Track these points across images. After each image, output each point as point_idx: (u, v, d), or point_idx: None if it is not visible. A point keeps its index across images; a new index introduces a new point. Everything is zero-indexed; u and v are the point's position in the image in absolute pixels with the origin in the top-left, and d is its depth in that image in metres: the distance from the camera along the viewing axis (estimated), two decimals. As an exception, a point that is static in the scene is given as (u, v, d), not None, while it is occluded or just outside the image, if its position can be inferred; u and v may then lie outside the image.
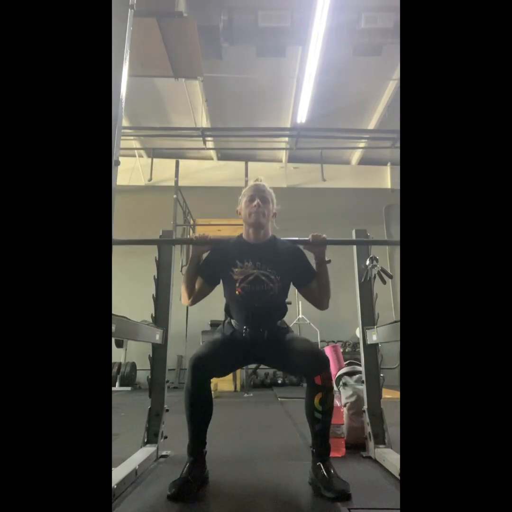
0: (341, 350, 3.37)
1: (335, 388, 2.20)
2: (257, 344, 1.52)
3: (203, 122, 5.69)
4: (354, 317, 2.01)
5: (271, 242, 1.59)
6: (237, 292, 1.51)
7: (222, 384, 4.88)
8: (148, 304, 1.92)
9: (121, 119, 1.17)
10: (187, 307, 5.54)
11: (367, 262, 1.84)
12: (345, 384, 2.16)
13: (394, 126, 5.21)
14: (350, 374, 2.20)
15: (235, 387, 5.03)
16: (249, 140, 6.05)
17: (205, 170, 6.90)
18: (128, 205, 5.53)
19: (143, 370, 5.38)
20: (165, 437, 1.85)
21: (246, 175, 5.51)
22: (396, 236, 6.49)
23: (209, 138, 6.05)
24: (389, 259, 6.39)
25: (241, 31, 3.98)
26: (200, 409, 1.42)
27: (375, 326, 1.80)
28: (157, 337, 1.78)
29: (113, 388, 5.09)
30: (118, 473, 1.36)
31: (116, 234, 1.17)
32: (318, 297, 1.59)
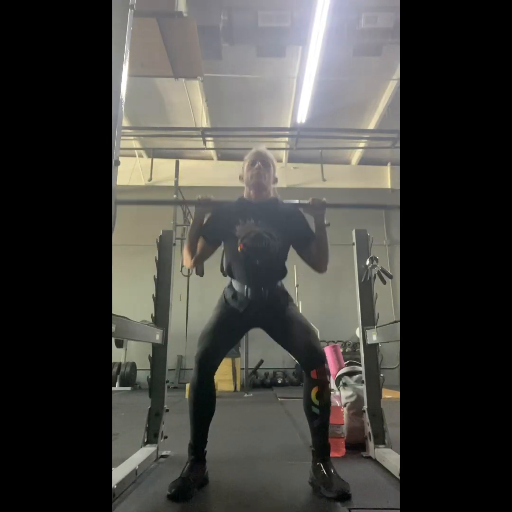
0: (341, 350, 3.37)
1: (335, 388, 2.20)
2: (258, 306, 1.50)
3: (203, 122, 5.69)
4: (354, 317, 2.01)
5: (272, 203, 1.63)
6: (238, 249, 1.51)
7: (222, 384, 4.88)
8: (148, 304, 1.92)
9: (121, 119, 1.17)
10: (187, 307, 5.55)
11: (367, 262, 1.85)
12: (345, 384, 2.16)
13: (394, 126, 5.21)
14: (350, 374, 2.20)
15: (235, 387, 5.03)
16: (249, 140, 6.04)
17: (205, 170, 6.89)
18: (128, 205, 5.53)
19: (143, 370, 5.38)
20: (165, 437, 1.85)
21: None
22: (396, 236, 6.50)
23: (209, 138, 6.05)
24: (389, 259, 6.39)
25: (241, 31, 3.98)
26: (203, 404, 1.44)
27: (375, 326, 1.80)
28: (157, 337, 1.78)
29: (113, 388, 5.09)
30: (118, 473, 1.36)
31: (116, 234, 1.17)
32: (317, 260, 1.60)
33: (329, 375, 1.46)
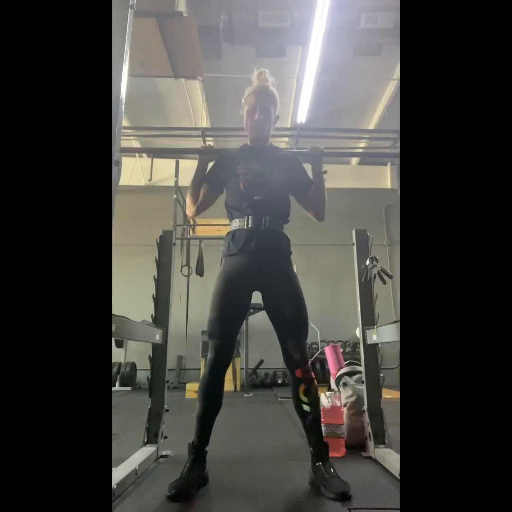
0: (341, 350, 3.37)
1: (335, 388, 2.20)
2: (259, 247, 1.47)
3: (203, 122, 5.69)
4: (354, 317, 2.01)
5: (271, 148, 1.66)
6: (240, 185, 1.53)
7: (222, 384, 4.88)
8: (148, 304, 1.92)
9: (121, 119, 1.17)
10: (187, 307, 5.55)
11: (367, 262, 1.84)
12: (345, 384, 2.16)
13: (394, 126, 5.21)
14: (350, 374, 2.20)
15: (235, 387, 5.02)
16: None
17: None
18: (128, 205, 5.53)
19: (143, 370, 5.38)
20: (165, 437, 1.85)
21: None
22: (396, 236, 6.50)
23: (209, 138, 6.04)
24: (389, 259, 6.39)
25: (241, 31, 3.98)
26: (214, 400, 1.45)
27: (375, 326, 1.80)
28: (157, 337, 1.78)
29: (113, 388, 5.09)
30: (118, 473, 1.36)
31: (116, 234, 1.17)
32: (316, 206, 1.63)
33: (311, 371, 1.50)
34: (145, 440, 1.78)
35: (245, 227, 1.50)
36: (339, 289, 6.11)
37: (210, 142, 6.14)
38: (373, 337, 1.79)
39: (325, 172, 1.61)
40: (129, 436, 2.12)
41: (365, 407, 1.82)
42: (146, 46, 3.35)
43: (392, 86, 5.13)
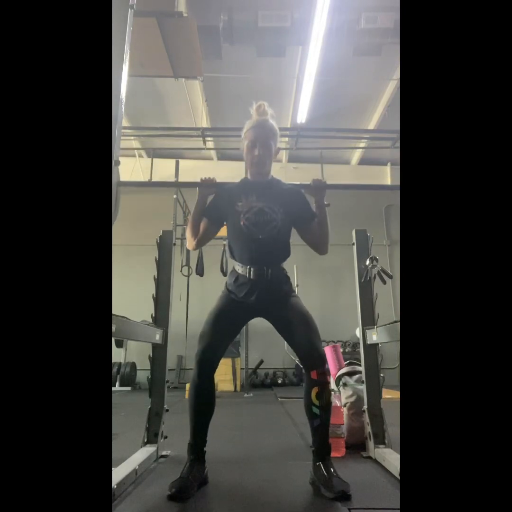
0: (341, 350, 3.37)
1: (335, 388, 2.20)
2: (261, 289, 1.48)
3: (203, 122, 5.69)
4: (354, 317, 2.01)
5: (273, 181, 1.63)
6: (241, 224, 1.51)
7: (222, 384, 4.88)
8: (148, 304, 1.92)
9: (121, 119, 1.17)
10: (187, 307, 5.55)
11: (367, 262, 1.84)
12: (345, 384, 2.16)
13: (394, 126, 5.21)
14: (350, 374, 2.20)
15: (235, 387, 5.02)
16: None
17: (205, 170, 6.87)
18: (128, 205, 5.52)
19: (143, 370, 5.38)
20: (165, 437, 1.85)
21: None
22: (396, 236, 6.50)
23: (209, 138, 6.04)
24: (389, 259, 6.38)
25: (241, 31, 3.98)
26: (203, 403, 1.44)
27: (375, 326, 1.80)
28: (157, 337, 1.78)
29: (113, 388, 5.09)
30: (118, 473, 1.36)
31: (116, 234, 1.17)
32: (318, 240, 1.60)
33: (329, 375, 1.46)
34: (145, 440, 1.78)
35: (247, 276, 1.50)
36: (339, 289, 6.11)
37: (210, 142, 6.15)
38: (373, 337, 1.79)
39: (328, 205, 1.59)
40: (129, 436, 2.12)
41: (365, 407, 1.82)
42: (146, 46, 3.35)
43: (392, 86, 5.13)
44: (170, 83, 4.79)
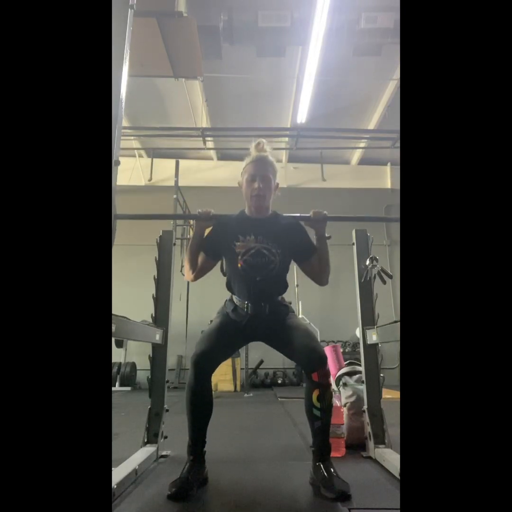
0: (341, 350, 3.37)
1: (335, 388, 2.20)
2: (259, 320, 1.51)
3: (203, 122, 5.69)
4: (354, 317, 2.01)
5: (272, 218, 1.60)
6: (239, 265, 1.51)
7: (222, 384, 4.88)
8: (148, 304, 1.92)
9: (121, 119, 1.17)
10: (187, 307, 5.55)
11: (367, 262, 1.84)
12: (345, 384, 2.16)
13: (394, 126, 5.21)
14: (350, 374, 2.20)
15: (235, 387, 5.02)
16: (249, 140, 6.02)
17: (205, 170, 6.89)
18: (128, 205, 5.53)
19: (143, 370, 5.38)
20: (165, 437, 1.85)
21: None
22: (396, 236, 6.49)
23: (209, 138, 6.04)
24: (389, 259, 6.39)
25: (241, 31, 3.98)
26: (201, 405, 1.43)
27: (375, 326, 1.80)
28: (157, 337, 1.78)
29: (113, 388, 5.09)
30: (118, 473, 1.36)
31: (116, 234, 1.17)
32: (318, 272, 1.59)
33: (330, 376, 1.45)
34: (145, 440, 1.78)
35: (245, 310, 1.51)
36: (339, 289, 6.10)
37: (210, 142, 6.15)
38: (373, 337, 1.79)
39: (329, 237, 1.57)
40: (129, 436, 2.12)
41: (365, 407, 1.82)
42: (146, 46, 3.35)
43: (392, 86, 5.13)
44: (170, 83, 4.79)
